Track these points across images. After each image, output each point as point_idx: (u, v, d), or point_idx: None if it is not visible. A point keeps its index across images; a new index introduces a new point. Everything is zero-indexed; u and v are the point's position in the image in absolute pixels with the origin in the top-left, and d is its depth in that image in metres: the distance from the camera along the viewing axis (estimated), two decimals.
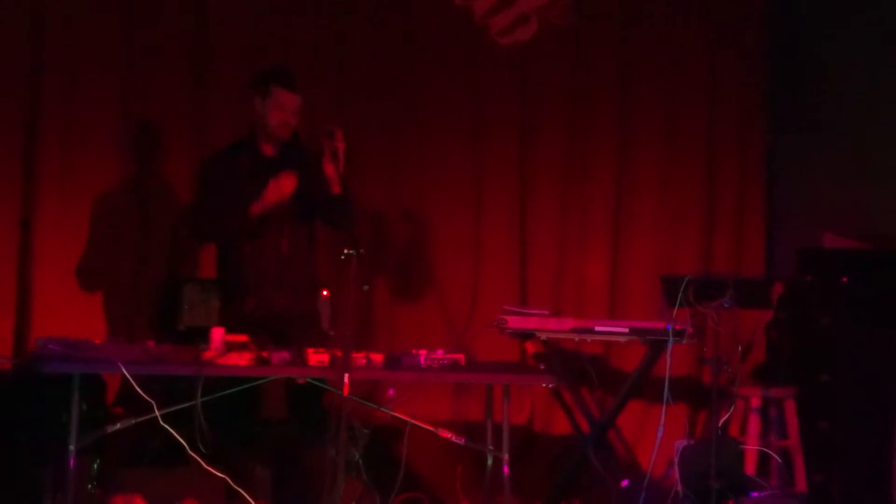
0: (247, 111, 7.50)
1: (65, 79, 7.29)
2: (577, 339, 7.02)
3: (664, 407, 6.55)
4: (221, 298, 6.66)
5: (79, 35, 7.33)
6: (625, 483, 7.08)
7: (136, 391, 5.61)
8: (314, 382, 6.03)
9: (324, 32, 7.75)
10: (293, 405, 6.55)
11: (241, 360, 5.71)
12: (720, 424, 6.68)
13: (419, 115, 7.90)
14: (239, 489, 6.02)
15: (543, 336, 7.02)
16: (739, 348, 6.86)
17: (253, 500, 6.13)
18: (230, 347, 5.77)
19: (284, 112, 6.52)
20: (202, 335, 5.89)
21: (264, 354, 5.77)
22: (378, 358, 5.92)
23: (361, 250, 5.53)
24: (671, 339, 6.67)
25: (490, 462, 6.36)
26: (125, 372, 5.50)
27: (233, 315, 6.43)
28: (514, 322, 6.96)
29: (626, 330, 6.93)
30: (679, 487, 6.45)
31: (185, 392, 5.63)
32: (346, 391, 5.30)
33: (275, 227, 6.45)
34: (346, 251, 5.51)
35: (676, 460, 6.51)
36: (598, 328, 6.95)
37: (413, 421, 6.07)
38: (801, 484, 7.02)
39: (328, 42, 7.74)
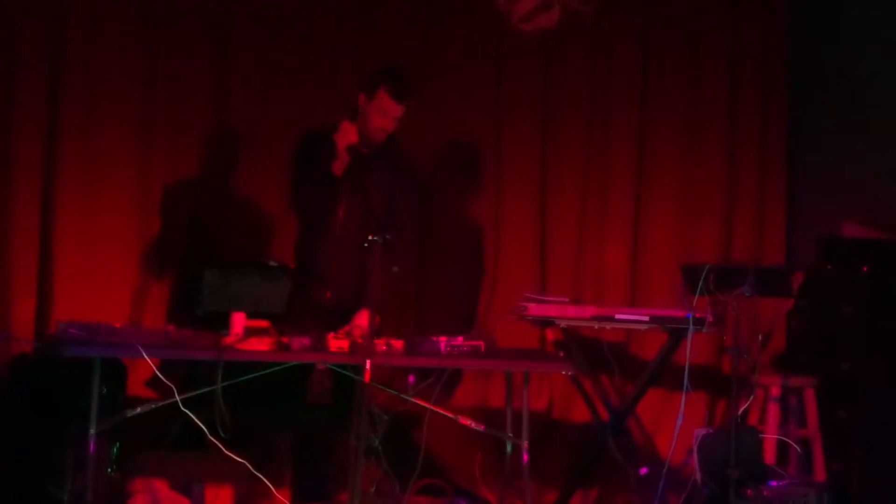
0: (268, 97, 7.59)
1: (86, 64, 7.32)
2: (596, 327, 7.02)
3: (683, 395, 6.55)
4: (295, 285, 6.64)
5: (101, 22, 7.35)
6: (643, 471, 7.09)
7: (158, 375, 5.62)
8: (334, 369, 6.04)
9: (346, 22, 7.74)
10: (336, 391, 6.54)
11: (262, 345, 5.72)
12: (739, 413, 6.67)
13: (440, 100, 7.89)
14: (259, 474, 6.03)
15: (563, 323, 7.02)
16: (759, 337, 6.87)
17: (273, 485, 6.15)
18: (250, 333, 5.78)
19: (385, 119, 6.36)
20: (222, 320, 5.89)
21: (284, 340, 5.78)
22: (398, 344, 5.93)
23: (387, 236, 5.53)
24: (691, 327, 6.67)
25: (509, 449, 6.37)
26: (145, 356, 5.51)
27: (305, 302, 6.43)
28: (534, 309, 6.96)
29: (647, 318, 6.93)
30: (698, 476, 6.44)
31: (207, 376, 5.64)
32: (367, 377, 5.30)
33: (358, 224, 6.39)
34: (370, 237, 5.51)
35: (695, 448, 6.50)
36: (618, 316, 6.95)
37: (433, 407, 6.08)
38: (820, 473, 7.00)
39: (350, 31, 7.74)
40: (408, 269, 6.18)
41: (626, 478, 7.10)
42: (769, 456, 6.90)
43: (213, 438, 5.67)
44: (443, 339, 5.98)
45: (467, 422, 6.21)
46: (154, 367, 5.64)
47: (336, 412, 6.51)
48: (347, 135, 6.26)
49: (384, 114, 6.34)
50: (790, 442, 7.03)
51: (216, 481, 6.52)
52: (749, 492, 6.22)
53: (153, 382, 6.20)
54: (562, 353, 7.10)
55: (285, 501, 6.32)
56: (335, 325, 6.09)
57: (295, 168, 6.45)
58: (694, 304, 6.59)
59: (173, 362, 6.00)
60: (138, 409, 5.82)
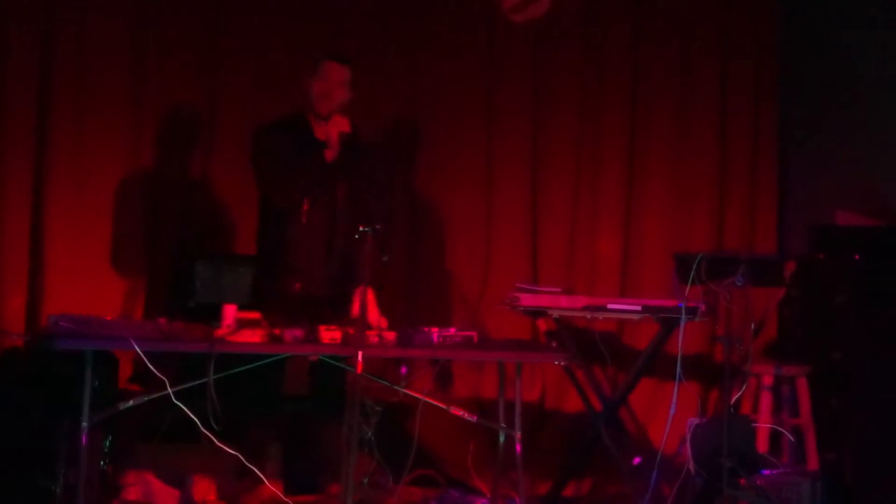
0: (259, 90, 7.59)
1: (76, 59, 7.30)
2: (589, 317, 7.00)
3: (676, 385, 6.55)
4: (262, 277, 6.65)
5: (91, 18, 7.33)
6: (636, 461, 7.09)
7: (149, 368, 5.60)
8: (326, 360, 6.03)
9: (336, 14, 7.73)
10: (315, 382, 6.56)
11: (254, 337, 5.71)
12: (732, 402, 6.67)
13: (431, 92, 7.89)
14: (250, 466, 6.03)
15: (555, 314, 7.01)
16: (752, 326, 6.83)
17: (264, 476, 6.15)
18: (242, 324, 5.76)
19: (327, 82, 6.45)
20: (214, 312, 5.87)
21: (276, 332, 5.76)
22: (391, 335, 5.92)
23: (377, 226, 5.54)
24: (683, 316, 6.66)
25: (502, 439, 6.36)
26: (137, 349, 5.49)
27: (274, 294, 6.44)
28: (527, 299, 6.95)
29: (639, 307, 6.92)
30: (691, 465, 6.44)
31: (198, 368, 5.62)
32: (359, 368, 5.29)
33: (327, 212, 6.43)
34: (361, 228, 5.51)
35: (688, 438, 6.50)
36: (610, 306, 6.94)
37: (425, 398, 6.07)
38: (813, 462, 7.01)
39: (340, 23, 7.72)
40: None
41: (619, 468, 7.09)
42: (762, 445, 6.90)
43: (205, 431, 5.65)
44: (435, 329, 5.97)
45: (460, 412, 6.20)
46: (146, 360, 5.62)
47: (317, 403, 6.54)
48: (340, 124, 6.31)
49: (326, 78, 6.45)
50: (783, 431, 7.04)
51: (208, 473, 6.53)
52: (742, 481, 6.22)
53: (145, 375, 6.19)
54: (554, 344, 7.10)
55: (278, 493, 6.32)
56: (304, 316, 6.08)
57: (286, 157, 6.44)
58: (686, 294, 6.59)
59: (165, 355, 5.98)
60: (130, 402, 5.81)
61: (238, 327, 5.73)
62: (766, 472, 6.46)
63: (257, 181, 6.57)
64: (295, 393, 6.68)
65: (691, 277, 6.46)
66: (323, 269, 6.44)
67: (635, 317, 7.00)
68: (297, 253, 6.44)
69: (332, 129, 6.34)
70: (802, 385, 7.09)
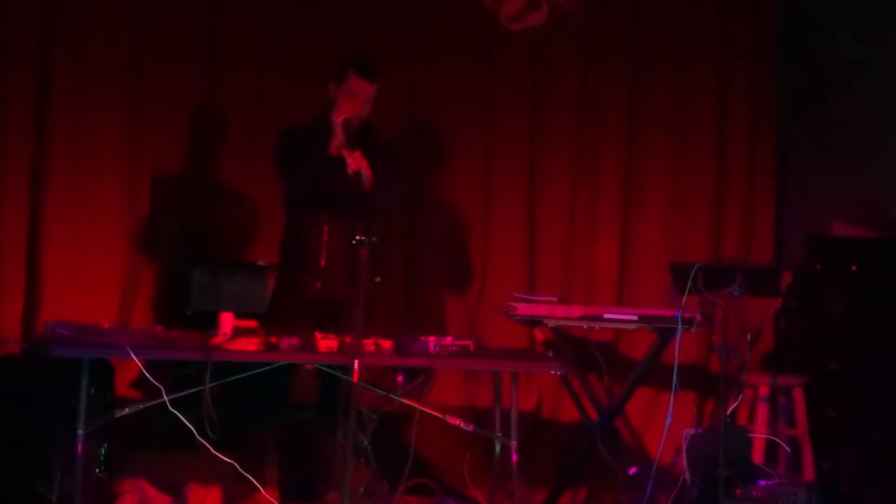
0: (258, 96, 7.58)
1: (75, 62, 7.28)
2: (585, 327, 7.01)
3: (672, 394, 6.56)
4: (281, 279, 6.68)
5: (90, 18, 7.32)
6: (633, 470, 7.08)
7: (146, 376, 5.60)
8: (322, 369, 6.03)
9: (335, 20, 7.73)
10: (323, 390, 6.55)
11: (250, 345, 5.70)
12: (728, 412, 6.67)
13: (429, 99, 7.89)
14: (246, 474, 6.02)
15: (552, 323, 7.01)
16: (748, 336, 6.85)
17: (260, 485, 6.15)
18: (238, 333, 5.76)
19: (355, 100, 6.46)
20: (211, 320, 5.87)
21: (273, 340, 5.76)
22: (387, 344, 5.91)
23: (374, 238, 5.53)
24: (680, 326, 6.66)
25: (498, 448, 6.36)
26: (133, 356, 5.49)
27: (293, 296, 6.45)
28: (523, 309, 6.95)
29: (635, 317, 6.92)
30: (687, 475, 6.44)
31: (196, 376, 5.62)
32: (356, 377, 5.29)
33: (345, 213, 6.42)
34: (357, 237, 5.51)
35: (684, 448, 6.50)
36: (606, 315, 6.94)
37: (422, 407, 6.07)
38: (809, 472, 7.01)
39: (339, 29, 7.72)
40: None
41: (615, 477, 7.09)
42: (758, 455, 6.91)
43: (201, 439, 5.65)
44: (432, 338, 5.97)
45: (456, 422, 6.20)
46: (142, 367, 5.62)
47: (322, 412, 6.52)
48: (343, 111, 6.32)
49: (353, 95, 6.45)
50: (779, 441, 7.04)
51: (204, 481, 6.51)
52: (738, 491, 6.22)
53: (141, 383, 6.19)
54: (551, 353, 7.09)
55: (274, 501, 6.31)
56: (323, 319, 6.08)
57: (293, 157, 6.44)
58: (683, 304, 6.59)
59: (162, 362, 5.98)
60: (126, 410, 5.81)
61: (234, 335, 5.73)
62: (763, 482, 6.46)
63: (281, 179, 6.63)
64: (302, 401, 6.68)
65: (688, 287, 6.46)
66: (343, 270, 6.42)
67: (632, 326, 7.00)
68: (318, 253, 6.44)
69: (337, 116, 6.37)
70: (799, 395, 7.10)
